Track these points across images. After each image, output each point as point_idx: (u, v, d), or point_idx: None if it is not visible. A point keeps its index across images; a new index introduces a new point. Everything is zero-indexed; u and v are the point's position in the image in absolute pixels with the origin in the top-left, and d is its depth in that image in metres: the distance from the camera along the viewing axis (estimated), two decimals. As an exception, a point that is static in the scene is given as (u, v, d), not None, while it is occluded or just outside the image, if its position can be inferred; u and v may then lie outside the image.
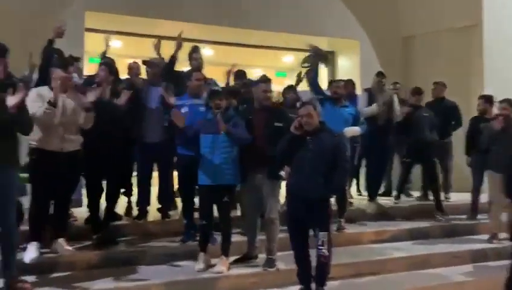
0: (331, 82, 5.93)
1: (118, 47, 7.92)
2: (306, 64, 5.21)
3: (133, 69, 5.29)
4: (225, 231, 4.13)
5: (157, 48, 5.05)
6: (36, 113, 3.67)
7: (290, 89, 5.51)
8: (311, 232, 3.69)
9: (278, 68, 9.46)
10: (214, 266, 4.05)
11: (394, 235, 5.29)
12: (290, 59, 9.52)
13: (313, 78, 5.19)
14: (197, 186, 4.29)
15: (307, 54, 5.29)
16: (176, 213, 5.12)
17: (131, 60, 5.61)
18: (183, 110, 4.31)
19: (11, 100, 3.26)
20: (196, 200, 4.46)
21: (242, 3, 7.07)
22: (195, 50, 5.00)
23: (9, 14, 5.63)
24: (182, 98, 4.52)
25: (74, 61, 4.84)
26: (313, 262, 3.65)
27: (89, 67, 6.77)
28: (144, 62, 5.04)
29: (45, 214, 3.94)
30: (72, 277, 3.85)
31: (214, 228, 4.23)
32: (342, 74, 8.25)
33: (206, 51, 7.19)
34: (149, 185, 4.94)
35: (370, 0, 7.85)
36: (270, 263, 4.11)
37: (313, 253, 3.65)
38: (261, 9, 7.19)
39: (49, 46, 4.36)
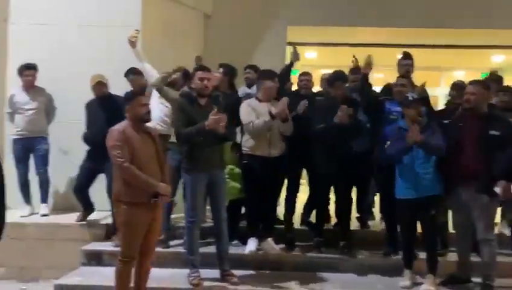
0: None
1: (314, 58, 8.26)
2: None
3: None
4: (431, 247, 3.85)
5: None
6: (257, 124, 4.03)
7: (504, 90, 4.83)
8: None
9: (484, 69, 8.48)
10: (420, 284, 3.82)
11: None
12: (499, 58, 8.45)
13: None
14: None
15: None
16: (373, 224, 4.99)
17: (327, 70, 5.71)
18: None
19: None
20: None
21: (446, 4, 6.54)
22: (405, 56, 4.73)
23: (219, 30, 6.34)
24: (391, 104, 4.29)
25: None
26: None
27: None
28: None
29: (258, 213, 4.26)
30: (278, 276, 4.09)
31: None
32: None
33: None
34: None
35: None
36: (487, 289, 3.68)
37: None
38: (470, 9, 6.52)
39: (289, 67, 4.72)
